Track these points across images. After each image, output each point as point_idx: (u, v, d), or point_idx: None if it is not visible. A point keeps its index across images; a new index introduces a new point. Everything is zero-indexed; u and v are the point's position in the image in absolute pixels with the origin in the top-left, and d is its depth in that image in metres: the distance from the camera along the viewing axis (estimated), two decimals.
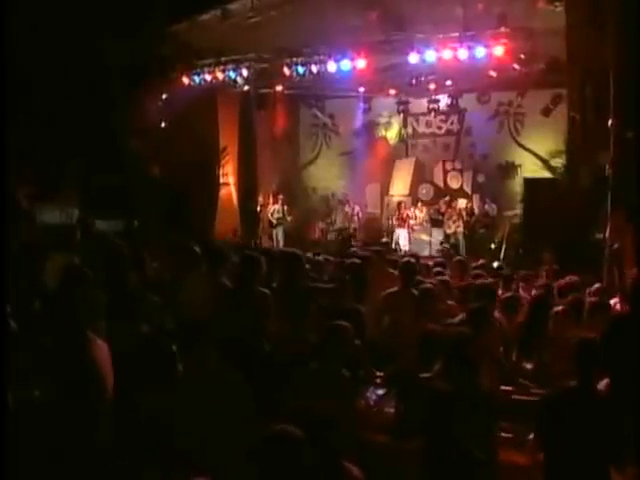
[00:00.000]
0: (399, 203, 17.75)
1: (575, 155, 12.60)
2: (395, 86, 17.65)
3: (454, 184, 18.85)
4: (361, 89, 18.11)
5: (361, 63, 13.67)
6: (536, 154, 17.56)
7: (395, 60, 15.01)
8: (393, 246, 16.05)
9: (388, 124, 19.63)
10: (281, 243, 16.41)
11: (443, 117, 18.82)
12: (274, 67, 14.86)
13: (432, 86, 17.04)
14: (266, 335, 4.73)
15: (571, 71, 12.56)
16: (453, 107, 18.09)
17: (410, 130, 19.39)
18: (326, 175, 20.19)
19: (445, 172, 18.98)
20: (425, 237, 16.98)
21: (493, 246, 15.79)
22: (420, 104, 18.49)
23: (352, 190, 19.65)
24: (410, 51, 13.18)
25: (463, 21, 12.81)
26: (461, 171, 18.79)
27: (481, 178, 18.52)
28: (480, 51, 12.54)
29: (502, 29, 12.66)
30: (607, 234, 8.35)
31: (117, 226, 14.83)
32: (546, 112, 14.31)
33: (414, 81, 16.67)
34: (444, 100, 18.02)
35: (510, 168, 18.03)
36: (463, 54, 12.68)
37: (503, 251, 14.64)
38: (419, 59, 13.20)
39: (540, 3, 12.46)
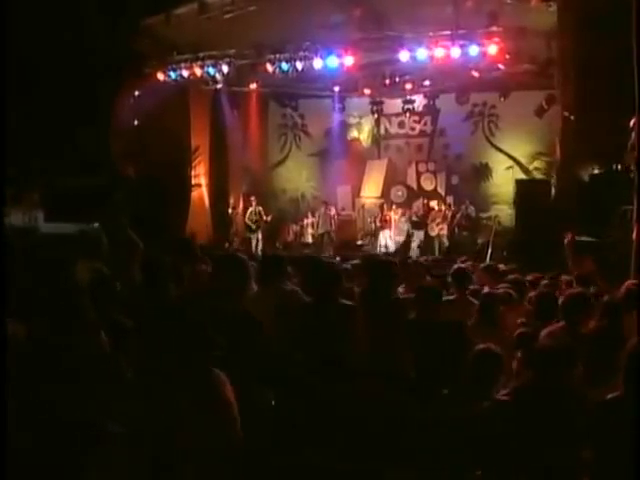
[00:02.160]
0: (381, 205, 17.42)
1: (569, 156, 12.49)
2: (370, 86, 17.33)
3: (428, 185, 18.62)
4: (336, 88, 17.68)
5: (349, 60, 13.27)
6: (511, 156, 17.51)
7: (377, 58, 14.74)
8: (378, 249, 15.67)
9: (359, 124, 19.29)
10: (260, 247, 15.85)
11: (416, 118, 18.59)
12: (255, 64, 14.33)
13: (409, 86, 16.82)
14: (352, 353, 4.25)
15: (564, 71, 12.47)
16: (429, 107, 17.89)
17: (383, 131, 19.10)
18: (296, 176, 19.73)
19: (418, 173, 18.73)
20: (403, 239, 16.68)
21: (475, 247, 15.60)
22: (395, 104, 18.21)
23: (323, 192, 19.26)
24: (400, 49, 12.85)
25: (454, 20, 12.57)
26: (435, 172, 18.57)
27: (455, 179, 18.38)
28: (473, 49, 12.28)
29: (494, 28, 12.45)
30: (634, 236, 8.14)
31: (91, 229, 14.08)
32: (540, 112, 14.18)
33: (387, 81, 16.40)
34: (419, 100, 17.82)
35: (484, 169, 17.92)
36: (456, 52, 12.42)
37: (489, 253, 14.44)
38: (409, 57, 12.86)
39: (534, 2, 12.32)
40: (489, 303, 5.25)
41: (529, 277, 8.32)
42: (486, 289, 5.82)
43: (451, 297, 5.86)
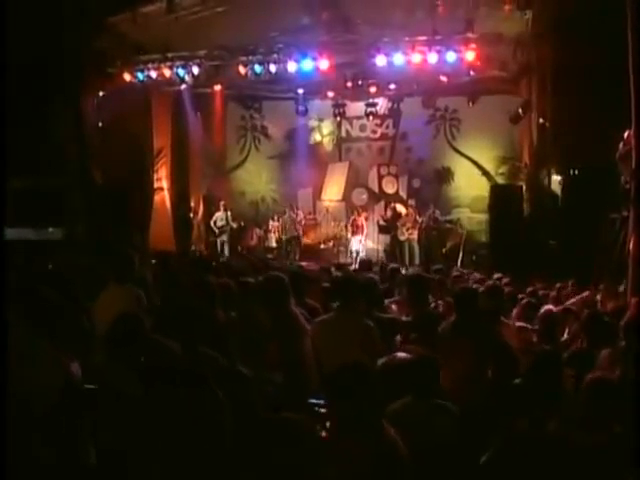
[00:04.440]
0: (351, 209, 17.31)
1: (543, 161, 12.68)
2: (334, 88, 17.18)
3: (389, 189, 18.65)
4: (300, 91, 17.45)
5: (324, 64, 13.09)
6: (473, 160, 17.67)
7: (343, 60, 14.59)
8: (349, 255, 15.55)
9: (320, 127, 19.13)
10: (226, 252, 15.49)
11: (378, 121, 18.55)
12: (222, 65, 13.99)
13: (373, 89, 16.74)
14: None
15: (540, 77, 12.65)
16: (392, 111, 17.89)
17: (344, 134, 18.99)
18: (255, 179, 19.44)
19: (380, 177, 18.73)
20: (371, 244, 16.64)
21: (443, 251, 15.67)
22: (357, 107, 18.13)
23: (283, 195, 19.06)
24: (377, 54, 12.76)
25: (432, 25, 12.55)
26: (396, 176, 18.59)
27: (416, 183, 18.43)
28: (451, 56, 12.28)
29: (469, 34, 12.49)
30: (631, 246, 8.24)
31: (47, 235, 13.55)
32: (515, 119, 14.31)
33: (350, 84, 16.28)
34: (382, 103, 17.79)
35: (446, 173, 18.03)
36: (433, 58, 12.40)
37: (460, 257, 14.54)
38: (386, 62, 12.79)
39: (507, 8, 12.42)
40: (550, 323, 5.14)
41: (530, 288, 8.38)
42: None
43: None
